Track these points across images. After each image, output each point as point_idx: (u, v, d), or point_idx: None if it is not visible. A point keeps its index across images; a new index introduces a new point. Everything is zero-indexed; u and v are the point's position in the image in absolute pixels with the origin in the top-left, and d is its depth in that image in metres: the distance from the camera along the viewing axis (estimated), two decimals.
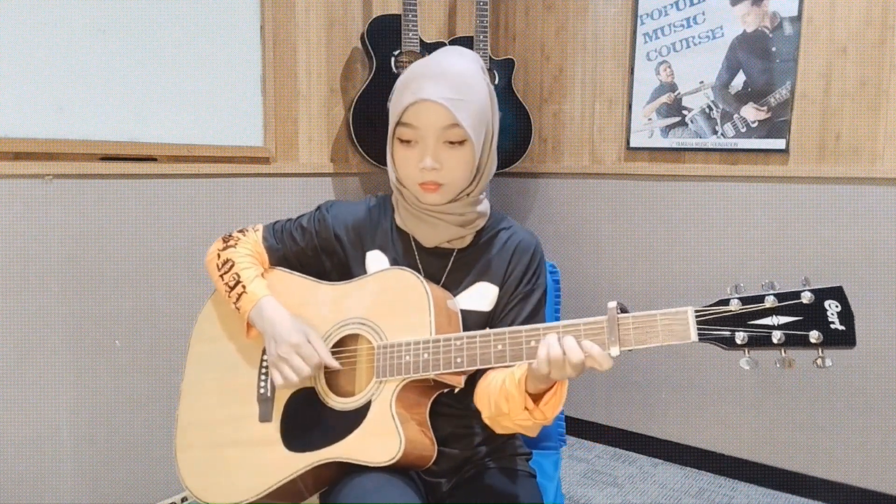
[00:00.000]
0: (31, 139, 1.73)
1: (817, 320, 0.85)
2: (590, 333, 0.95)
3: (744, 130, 2.46)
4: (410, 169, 1.12)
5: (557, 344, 0.94)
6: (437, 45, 2.33)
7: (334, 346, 1.15)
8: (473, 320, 1.16)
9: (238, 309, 1.19)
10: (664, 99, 2.62)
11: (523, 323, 1.14)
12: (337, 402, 1.11)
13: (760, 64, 2.40)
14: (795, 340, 0.86)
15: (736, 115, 2.47)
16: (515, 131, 2.77)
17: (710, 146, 2.54)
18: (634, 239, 2.75)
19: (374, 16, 2.51)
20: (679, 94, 2.58)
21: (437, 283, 1.17)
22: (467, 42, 2.62)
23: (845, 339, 0.84)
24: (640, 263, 2.74)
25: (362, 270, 1.20)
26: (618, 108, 2.75)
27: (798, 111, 2.35)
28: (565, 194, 2.92)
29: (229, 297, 1.20)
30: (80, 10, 1.79)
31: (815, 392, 2.39)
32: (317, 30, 2.43)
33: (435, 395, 1.13)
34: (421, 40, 2.50)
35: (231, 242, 1.25)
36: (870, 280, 2.26)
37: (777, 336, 0.86)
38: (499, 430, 1.11)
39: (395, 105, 1.11)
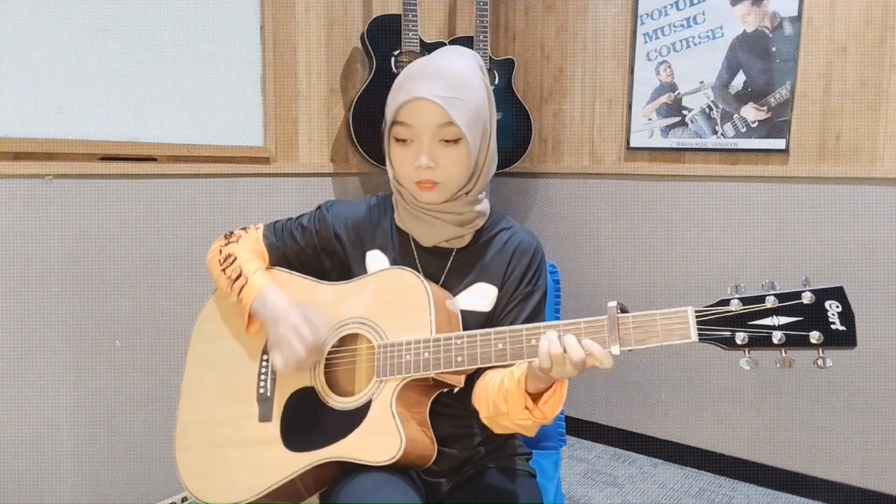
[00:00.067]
0: (31, 139, 1.73)
1: (818, 321, 0.85)
2: (590, 332, 0.95)
3: (744, 130, 2.46)
4: (406, 168, 1.12)
5: (558, 341, 0.94)
6: (437, 45, 2.33)
7: (334, 345, 1.15)
8: (473, 321, 1.16)
9: (240, 300, 1.19)
10: (664, 99, 2.62)
11: (523, 324, 1.14)
12: (337, 402, 1.11)
13: (760, 64, 2.40)
14: (796, 341, 0.85)
15: (736, 115, 2.47)
16: (515, 131, 2.77)
17: (710, 146, 2.54)
18: (634, 239, 2.75)
19: (374, 16, 2.51)
20: (679, 94, 2.58)
21: (437, 282, 1.17)
22: (467, 42, 2.62)
23: (846, 339, 0.84)
24: (640, 263, 2.74)
25: (362, 270, 1.20)
26: (618, 108, 2.75)
27: (798, 111, 2.36)
28: (565, 194, 2.92)
29: (231, 289, 1.20)
30: (80, 10, 1.79)
31: (815, 392, 2.39)
32: (317, 30, 2.43)
33: (435, 395, 1.13)
34: (421, 40, 2.50)
35: (233, 239, 1.26)
36: (870, 280, 2.26)
37: (777, 336, 0.86)
38: (497, 430, 1.11)
39: (391, 104, 1.11)
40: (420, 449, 1.07)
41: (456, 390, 1.13)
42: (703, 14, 2.50)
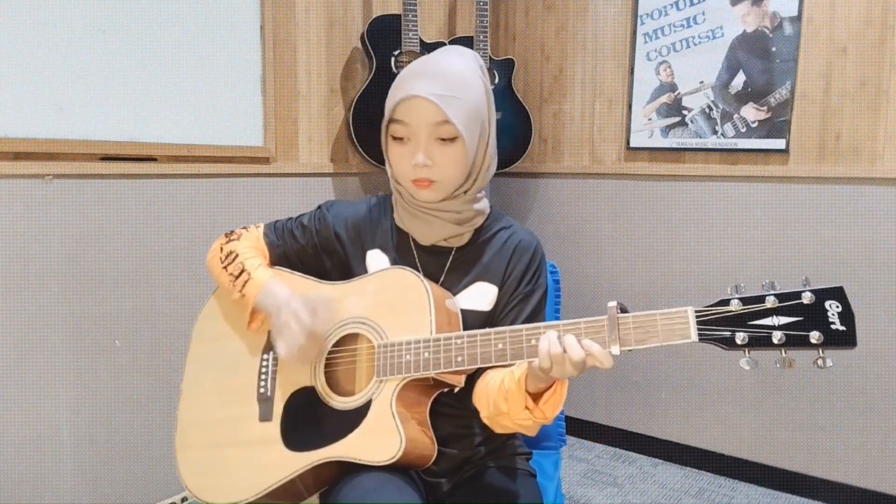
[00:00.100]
0: (31, 139, 1.73)
1: (818, 321, 0.85)
2: (590, 332, 0.95)
3: (744, 130, 2.46)
4: (403, 166, 1.12)
5: (558, 341, 0.94)
6: (437, 45, 2.33)
7: (335, 345, 1.15)
8: (473, 320, 1.16)
9: (243, 296, 1.19)
10: (664, 99, 2.62)
11: (524, 324, 1.14)
12: (337, 402, 1.11)
13: (760, 64, 2.40)
14: (796, 341, 0.86)
15: (736, 115, 2.47)
16: (515, 131, 2.77)
17: (710, 146, 2.54)
18: (634, 239, 2.75)
19: (374, 16, 2.51)
20: (679, 94, 2.58)
21: (437, 282, 1.17)
22: (467, 42, 2.62)
23: (846, 339, 0.84)
24: (640, 263, 2.74)
25: (362, 270, 1.20)
26: (618, 108, 2.76)
27: (798, 111, 2.36)
28: (565, 194, 2.92)
29: (234, 285, 1.20)
30: (80, 10, 1.79)
31: (815, 392, 2.39)
32: (317, 30, 2.43)
33: (435, 395, 1.13)
34: (421, 40, 2.50)
35: (234, 237, 1.26)
36: (870, 280, 2.26)
37: (777, 336, 0.86)
38: (498, 430, 1.11)
39: (389, 101, 1.12)
40: (420, 449, 1.07)
41: (456, 390, 1.13)
42: (703, 14, 2.50)
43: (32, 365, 1.80)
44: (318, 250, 1.25)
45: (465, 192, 1.16)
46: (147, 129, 1.95)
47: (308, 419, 1.12)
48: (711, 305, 0.90)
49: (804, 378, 2.40)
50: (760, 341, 0.87)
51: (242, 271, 1.20)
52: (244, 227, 1.28)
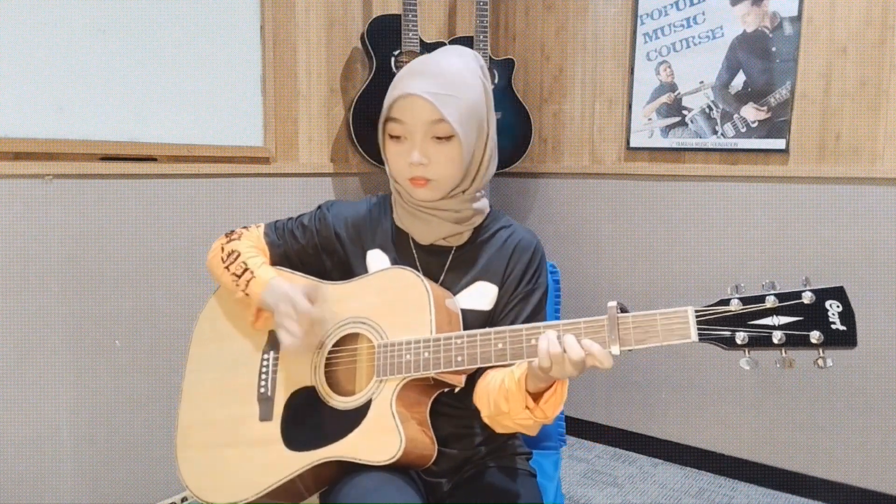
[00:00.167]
0: (31, 139, 1.73)
1: (818, 320, 0.85)
2: (590, 332, 0.95)
3: (744, 130, 2.46)
4: (400, 164, 1.12)
5: (557, 341, 0.94)
6: (437, 45, 2.33)
7: (335, 345, 1.15)
8: (473, 319, 1.16)
9: (248, 295, 1.18)
10: (664, 99, 2.62)
11: (524, 323, 1.14)
12: (337, 401, 1.11)
13: (760, 64, 2.40)
14: (796, 340, 0.85)
15: (736, 115, 2.47)
16: (515, 131, 2.77)
17: (710, 146, 2.54)
18: (634, 239, 2.75)
19: (374, 16, 2.51)
20: (679, 94, 2.58)
21: (437, 281, 1.17)
22: (467, 42, 2.62)
23: (846, 339, 0.84)
24: (640, 263, 2.74)
25: (363, 269, 1.20)
26: (618, 108, 2.75)
27: (798, 111, 2.36)
28: (565, 194, 2.92)
29: (237, 285, 1.19)
30: (80, 10, 1.79)
31: (815, 392, 2.39)
32: (317, 30, 2.43)
33: (435, 395, 1.13)
34: (421, 40, 2.50)
35: (234, 237, 1.26)
36: (870, 280, 2.26)
37: (777, 336, 0.86)
38: (499, 430, 1.11)
39: (386, 100, 1.12)
40: (420, 449, 1.07)
41: (457, 390, 1.13)
42: (703, 14, 2.50)
43: (32, 365, 1.80)
44: (318, 250, 1.25)
45: (464, 191, 1.16)
46: (147, 129, 1.95)
47: (308, 419, 1.12)
48: (711, 305, 0.90)
49: (804, 378, 2.40)
50: (760, 341, 0.87)
51: (245, 270, 1.19)
52: (244, 227, 1.29)
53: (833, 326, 0.84)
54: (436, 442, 1.11)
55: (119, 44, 1.87)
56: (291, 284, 1.14)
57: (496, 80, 2.73)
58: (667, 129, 2.63)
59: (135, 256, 1.97)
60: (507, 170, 2.80)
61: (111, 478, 1.97)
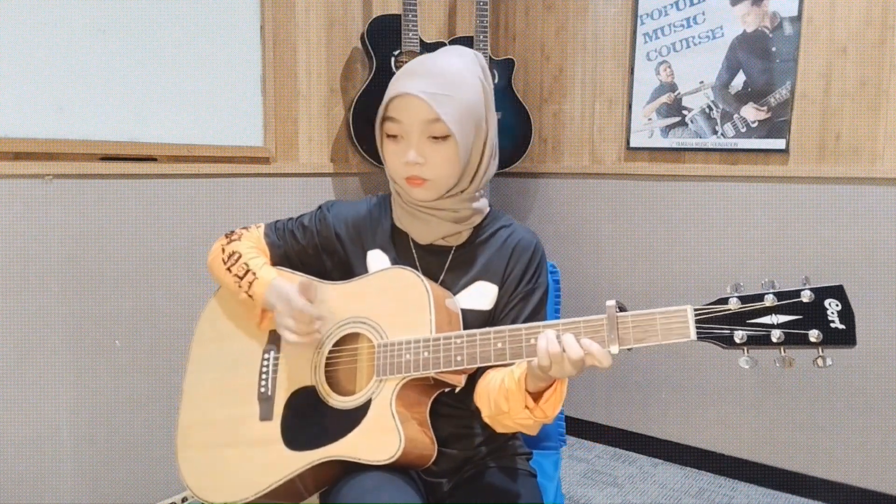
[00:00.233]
0: (31, 139, 1.73)
1: (817, 319, 0.85)
2: (589, 332, 0.95)
3: (744, 130, 2.46)
4: (396, 163, 1.12)
5: (556, 340, 0.94)
6: (437, 45, 2.33)
7: (335, 344, 1.15)
8: (473, 319, 1.16)
9: (251, 296, 1.18)
10: (664, 99, 2.62)
11: (524, 323, 1.14)
12: (337, 401, 1.11)
13: (760, 64, 2.40)
14: (795, 339, 0.85)
15: (736, 115, 2.47)
16: (515, 131, 2.77)
17: (710, 146, 2.54)
18: (634, 239, 2.75)
19: (374, 16, 2.52)
20: (679, 94, 2.58)
21: (437, 281, 1.17)
22: (467, 42, 2.62)
23: (845, 338, 0.84)
24: (640, 263, 2.74)
25: (363, 269, 1.21)
26: (618, 108, 2.76)
27: (798, 111, 2.36)
28: (565, 194, 2.92)
29: (240, 286, 1.19)
30: (80, 10, 1.79)
31: (815, 392, 2.39)
32: (317, 30, 2.43)
33: (435, 395, 1.13)
34: (421, 40, 2.50)
35: (235, 237, 1.26)
36: (870, 280, 2.26)
37: (776, 335, 0.86)
38: (499, 429, 1.11)
39: (384, 100, 1.12)
40: (420, 449, 1.07)
41: (457, 390, 1.13)
42: (703, 14, 2.51)
43: (32, 365, 1.80)
44: (318, 250, 1.25)
45: (463, 191, 1.16)
46: (147, 129, 1.95)
47: (308, 419, 1.12)
48: (710, 304, 0.90)
49: (804, 378, 2.40)
50: (759, 340, 0.87)
51: (247, 271, 1.19)
52: (244, 228, 1.28)
53: (832, 325, 0.84)
54: (436, 442, 1.11)
55: (119, 44, 1.87)
56: (291, 284, 1.15)
57: (496, 80, 2.73)
58: (667, 129, 2.63)
59: (135, 256, 1.97)
60: (507, 170, 2.80)
61: (111, 478, 1.97)
